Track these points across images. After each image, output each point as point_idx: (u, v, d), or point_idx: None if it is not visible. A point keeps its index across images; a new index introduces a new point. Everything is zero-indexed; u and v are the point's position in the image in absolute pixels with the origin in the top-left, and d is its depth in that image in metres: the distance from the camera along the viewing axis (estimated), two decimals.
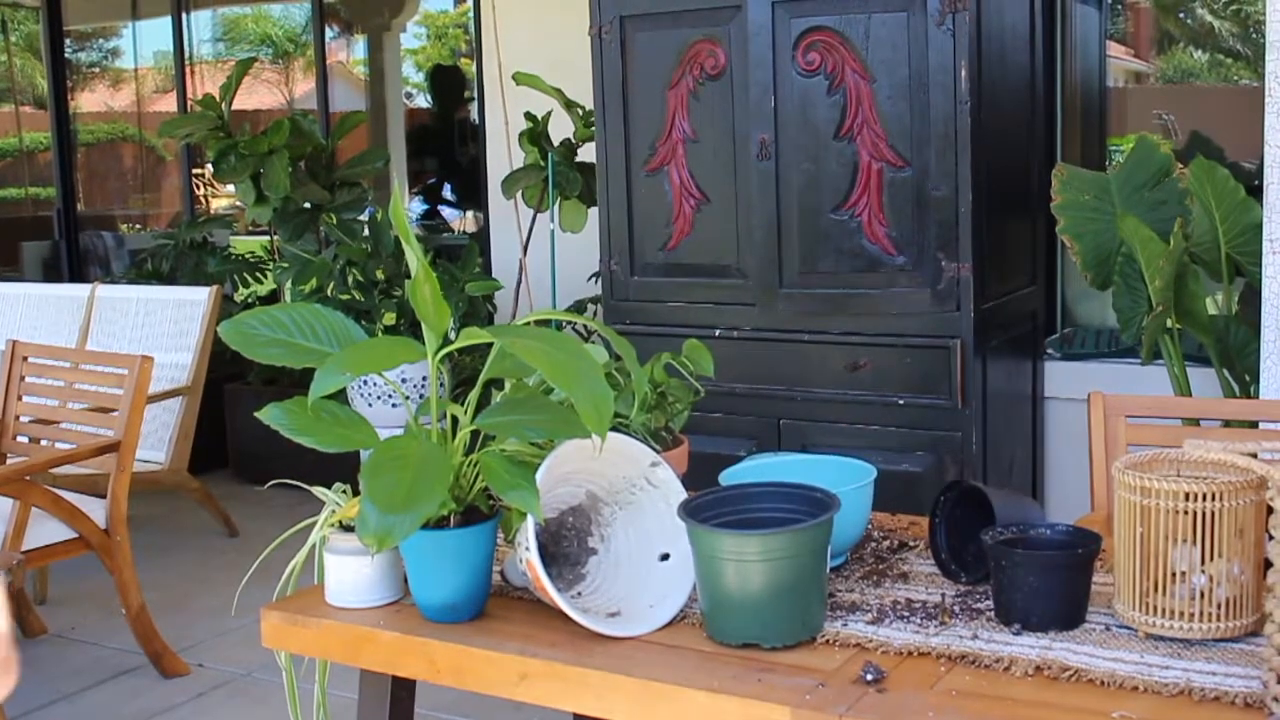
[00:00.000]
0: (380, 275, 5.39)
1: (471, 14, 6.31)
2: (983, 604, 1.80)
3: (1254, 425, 2.81)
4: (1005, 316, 3.80)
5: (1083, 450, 2.70)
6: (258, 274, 6.48)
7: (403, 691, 1.98)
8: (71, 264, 8.03)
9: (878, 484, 2.05)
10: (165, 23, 7.71)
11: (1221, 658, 1.60)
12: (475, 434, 1.82)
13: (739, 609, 1.69)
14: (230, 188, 6.20)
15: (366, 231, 5.53)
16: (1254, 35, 4.55)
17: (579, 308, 5.14)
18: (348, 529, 1.90)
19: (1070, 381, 4.16)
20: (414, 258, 1.75)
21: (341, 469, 2.23)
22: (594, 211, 4.41)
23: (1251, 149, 4.02)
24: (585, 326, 4.67)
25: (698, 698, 1.58)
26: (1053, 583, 1.71)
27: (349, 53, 8.09)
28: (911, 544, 2.10)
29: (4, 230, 8.37)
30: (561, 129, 4.92)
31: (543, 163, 4.86)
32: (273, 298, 6.64)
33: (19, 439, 4.09)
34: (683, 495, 1.87)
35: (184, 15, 7.65)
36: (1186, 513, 1.63)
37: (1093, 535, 1.78)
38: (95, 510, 3.69)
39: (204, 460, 5.45)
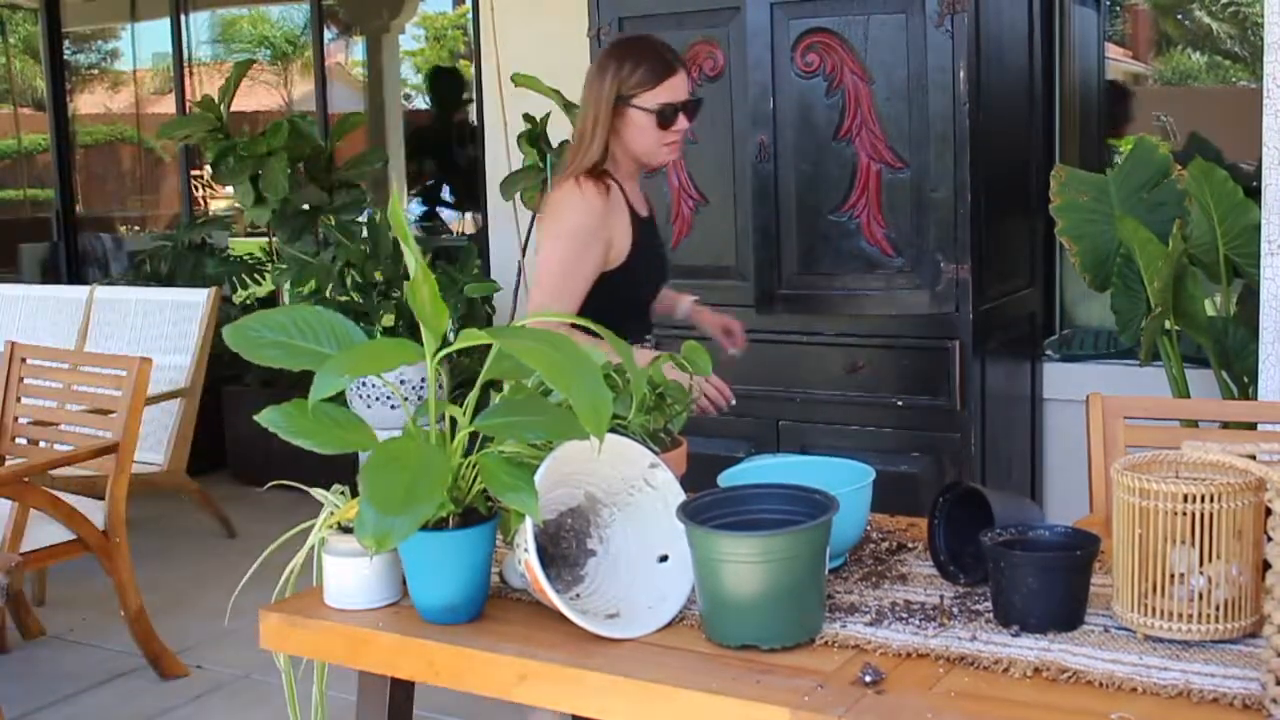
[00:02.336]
0: (379, 277, 5.39)
1: (470, 15, 6.31)
2: (981, 605, 1.80)
3: (1252, 427, 2.81)
4: (1004, 318, 3.80)
5: (1081, 452, 2.70)
6: (256, 276, 6.48)
7: (401, 693, 1.98)
8: (70, 265, 8.03)
9: (876, 485, 2.05)
10: (164, 24, 7.71)
11: (1220, 659, 1.60)
12: (474, 435, 1.82)
13: (738, 610, 1.69)
14: (229, 189, 6.20)
15: (365, 233, 5.53)
16: (1252, 37, 4.55)
17: None
18: (346, 530, 1.90)
19: (1069, 383, 4.16)
20: (412, 259, 1.75)
21: (340, 470, 2.23)
22: None
23: (1250, 150, 4.02)
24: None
25: (696, 699, 1.58)
26: (1051, 584, 1.71)
27: (347, 54, 8.08)
28: (910, 545, 2.10)
29: (2, 231, 8.37)
30: (560, 130, 4.91)
31: (541, 164, 4.86)
32: (271, 300, 6.64)
33: (17, 440, 4.09)
34: (681, 497, 1.87)
35: (182, 17, 7.64)
36: (1185, 514, 1.63)
37: (1091, 536, 1.78)
38: (94, 512, 3.69)
39: (202, 462, 5.45)
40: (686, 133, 2.73)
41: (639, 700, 1.62)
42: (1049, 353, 4.36)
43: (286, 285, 5.54)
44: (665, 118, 2.65)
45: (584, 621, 1.74)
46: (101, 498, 3.72)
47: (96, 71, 8.69)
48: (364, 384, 2.33)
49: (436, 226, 7.54)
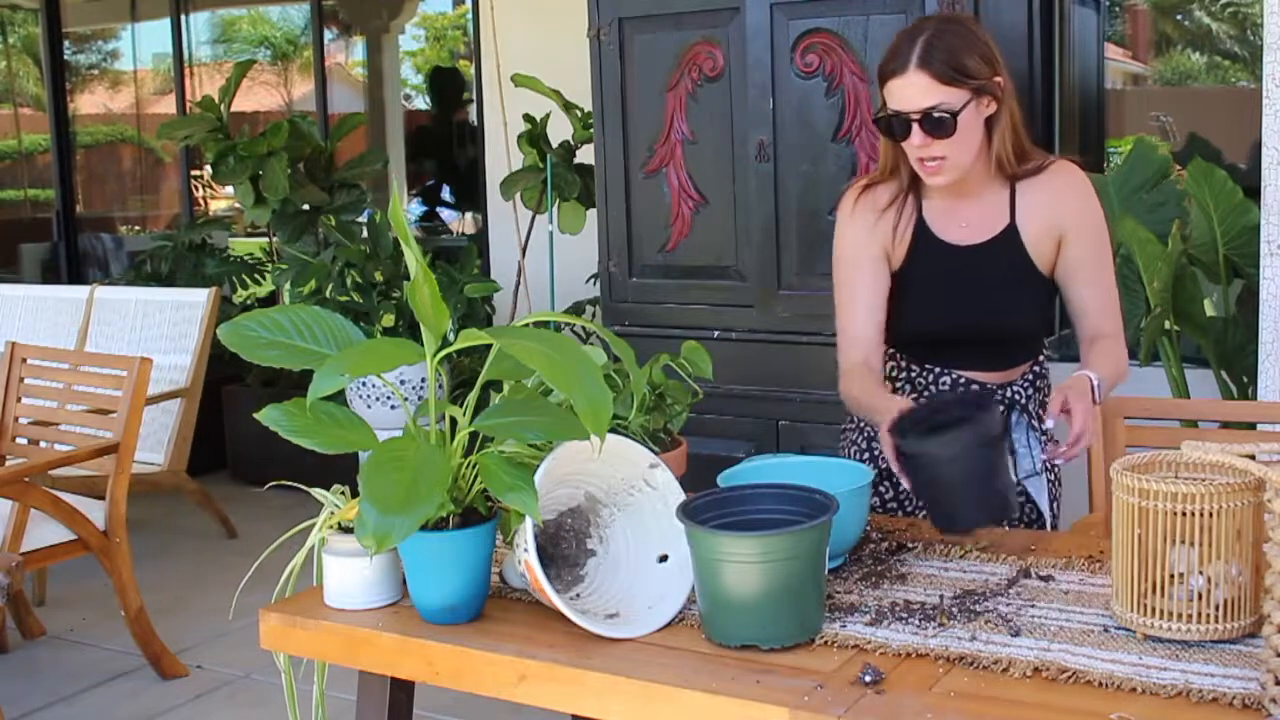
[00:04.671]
0: (379, 277, 5.40)
1: (470, 16, 6.32)
2: (981, 606, 1.80)
3: (1252, 427, 2.81)
4: None
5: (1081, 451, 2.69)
6: (256, 276, 6.48)
7: (401, 693, 1.98)
8: (70, 266, 8.04)
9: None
10: (164, 25, 7.72)
11: (1219, 659, 1.61)
12: (474, 435, 1.82)
13: (737, 610, 1.69)
14: (229, 189, 6.21)
15: (365, 233, 5.53)
16: (1251, 37, 4.55)
17: (577, 309, 5.14)
18: (347, 530, 1.90)
19: None
20: (413, 259, 1.75)
21: (340, 470, 2.23)
22: (592, 213, 4.41)
23: (1249, 151, 4.02)
24: (584, 328, 4.67)
25: (696, 699, 1.58)
26: (967, 467, 1.69)
27: (348, 55, 8.09)
28: (910, 545, 2.10)
29: (3, 232, 8.38)
30: (560, 131, 4.92)
31: (541, 164, 4.86)
32: (271, 299, 6.64)
33: (18, 440, 4.10)
34: (681, 497, 1.87)
35: (183, 17, 7.65)
36: (1184, 514, 1.63)
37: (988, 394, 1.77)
38: (94, 512, 3.69)
39: (202, 462, 5.45)
40: (935, 153, 2.17)
41: (639, 700, 1.63)
42: (1049, 353, 4.35)
43: (286, 285, 5.55)
44: (883, 127, 2.21)
45: (584, 621, 1.74)
46: (101, 498, 3.72)
47: (96, 71, 8.69)
48: (364, 384, 2.33)
49: (436, 226, 7.55)
